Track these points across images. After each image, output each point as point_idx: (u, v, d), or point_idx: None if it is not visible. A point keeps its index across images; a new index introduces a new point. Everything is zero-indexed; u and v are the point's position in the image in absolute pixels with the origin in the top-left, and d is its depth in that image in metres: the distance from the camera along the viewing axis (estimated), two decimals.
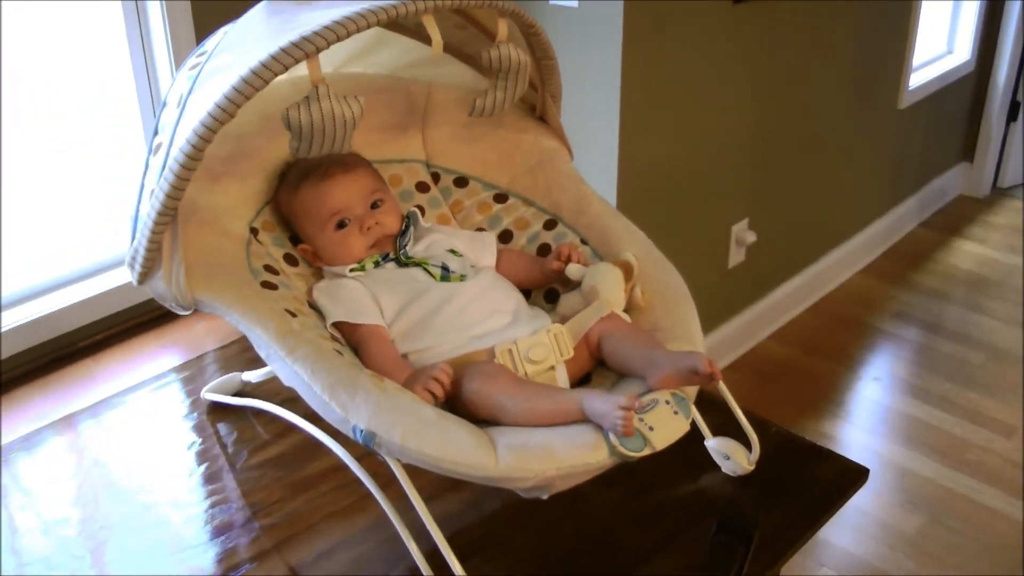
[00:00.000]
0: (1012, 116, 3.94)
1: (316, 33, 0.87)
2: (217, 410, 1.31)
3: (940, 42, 3.70)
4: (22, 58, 1.71)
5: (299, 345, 0.93)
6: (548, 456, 0.87)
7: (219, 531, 1.10)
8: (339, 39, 0.88)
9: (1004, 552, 2.17)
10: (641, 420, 0.90)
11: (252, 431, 1.27)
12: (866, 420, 2.65)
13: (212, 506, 1.14)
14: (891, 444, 2.52)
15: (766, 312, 2.99)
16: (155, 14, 1.75)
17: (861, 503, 2.28)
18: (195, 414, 1.31)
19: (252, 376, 1.30)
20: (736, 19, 2.40)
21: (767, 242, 2.84)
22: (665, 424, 0.90)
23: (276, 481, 1.17)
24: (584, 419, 0.90)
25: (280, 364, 0.93)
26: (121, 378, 1.54)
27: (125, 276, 2.03)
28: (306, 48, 0.87)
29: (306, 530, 1.09)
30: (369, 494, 1.12)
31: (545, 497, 0.91)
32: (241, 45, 0.95)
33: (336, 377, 0.90)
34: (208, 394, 1.30)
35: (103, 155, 1.95)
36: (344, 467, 1.17)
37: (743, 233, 2.73)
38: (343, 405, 0.88)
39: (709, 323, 2.51)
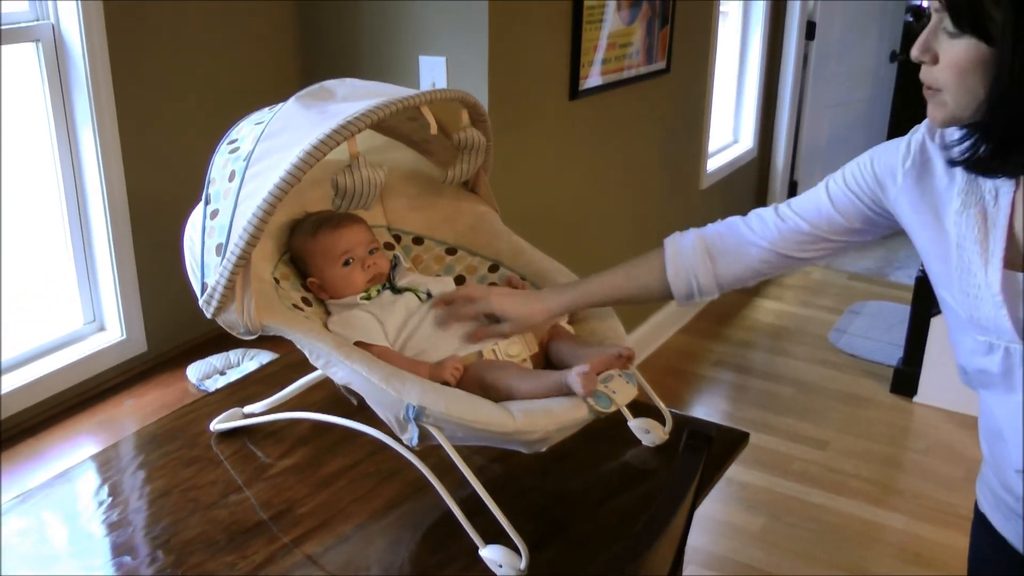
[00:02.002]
0: (792, 193, 4.63)
1: (357, 117, 1.19)
2: (220, 444, 1.55)
3: (727, 133, 4.33)
4: None
5: (352, 351, 1.23)
6: (548, 415, 1.21)
7: (259, 524, 1.35)
8: (373, 123, 1.21)
9: (832, 534, 2.63)
10: (606, 387, 1.25)
11: (255, 456, 1.52)
12: None
13: (248, 508, 1.38)
14: None
15: None
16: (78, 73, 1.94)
17: (712, 512, 2.70)
18: (208, 445, 1.54)
19: (254, 408, 1.55)
20: (572, 113, 2.86)
21: None
22: (622, 389, 1.26)
23: (299, 483, 1.43)
24: (568, 391, 1.24)
25: (339, 366, 1.22)
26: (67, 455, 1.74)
27: (58, 361, 2.20)
28: (352, 128, 1.19)
29: (338, 512, 1.36)
30: (380, 483, 1.41)
31: (544, 449, 1.24)
32: (287, 131, 1.25)
33: (386, 371, 1.21)
34: (218, 425, 1.54)
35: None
36: (351, 466, 1.46)
37: None
38: (397, 390, 1.18)
39: None
